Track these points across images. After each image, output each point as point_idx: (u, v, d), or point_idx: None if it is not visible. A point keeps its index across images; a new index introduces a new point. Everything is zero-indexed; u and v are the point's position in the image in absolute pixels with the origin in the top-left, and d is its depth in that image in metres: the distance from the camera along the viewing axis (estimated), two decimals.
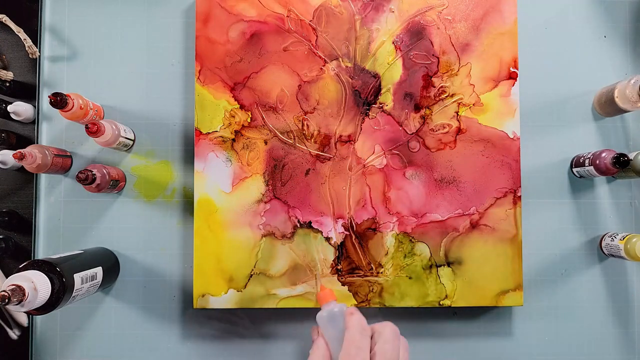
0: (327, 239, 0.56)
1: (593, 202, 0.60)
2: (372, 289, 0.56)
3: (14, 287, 0.41)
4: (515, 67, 0.57)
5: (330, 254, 0.56)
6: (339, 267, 0.56)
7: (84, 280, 0.48)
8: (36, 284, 0.42)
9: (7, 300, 0.39)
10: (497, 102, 0.57)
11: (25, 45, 0.58)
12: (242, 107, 0.56)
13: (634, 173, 0.54)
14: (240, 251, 0.56)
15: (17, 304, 0.41)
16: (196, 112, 0.56)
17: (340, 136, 0.57)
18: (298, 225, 0.56)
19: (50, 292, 0.44)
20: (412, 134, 0.57)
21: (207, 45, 0.56)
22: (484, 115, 0.57)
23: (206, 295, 0.55)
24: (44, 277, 0.43)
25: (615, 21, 0.61)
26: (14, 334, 0.57)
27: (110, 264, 0.56)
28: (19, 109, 0.57)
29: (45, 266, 0.45)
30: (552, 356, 0.59)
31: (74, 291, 0.47)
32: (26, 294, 0.41)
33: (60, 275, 0.45)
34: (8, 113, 0.57)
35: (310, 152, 0.56)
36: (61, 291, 0.45)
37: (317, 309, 0.44)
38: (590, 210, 0.60)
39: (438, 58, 0.57)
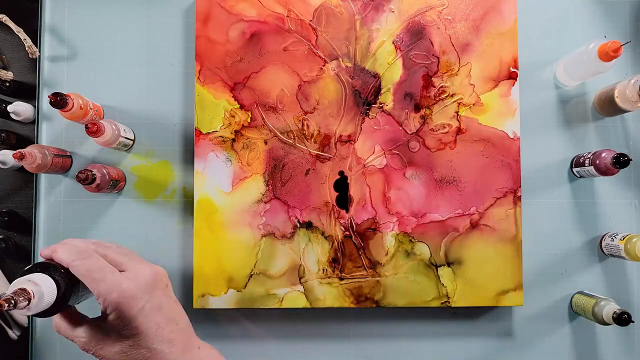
0: (327, 238, 0.56)
1: (593, 202, 0.60)
2: (372, 288, 0.56)
3: (19, 290, 0.41)
4: (515, 67, 0.57)
5: (330, 254, 0.56)
6: (339, 267, 0.56)
7: None
8: (42, 288, 0.42)
9: (12, 305, 0.39)
10: (497, 102, 0.57)
11: (25, 45, 0.58)
12: (242, 107, 0.56)
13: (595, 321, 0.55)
14: (240, 251, 0.56)
15: (22, 308, 0.41)
16: (196, 112, 0.56)
17: (340, 136, 0.57)
18: (298, 225, 0.56)
19: (55, 295, 0.44)
20: (412, 134, 0.57)
21: (207, 45, 0.56)
22: (484, 115, 0.57)
23: (206, 295, 0.55)
24: (49, 280, 0.43)
25: (615, 21, 0.61)
26: (14, 334, 0.57)
27: None
28: (19, 109, 0.57)
29: (51, 268, 0.45)
30: (552, 356, 0.59)
31: (80, 292, 0.47)
32: (32, 298, 0.41)
33: (65, 277, 0.45)
34: (8, 113, 0.57)
35: (310, 152, 0.57)
36: (67, 294, 0.45)
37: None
38: (590, 210, 0.60)
39: (438, 58, 0.57)
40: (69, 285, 0.45)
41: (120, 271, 0.39)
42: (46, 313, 0.44)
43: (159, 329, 0.38)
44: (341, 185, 0.56)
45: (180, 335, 0.39)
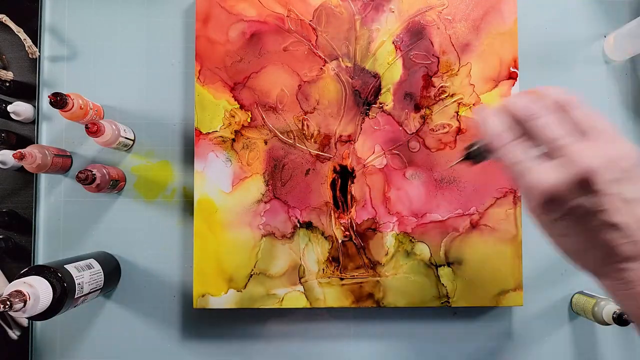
0: (327, 238, 0.56)
1: None
2: (372, 289, 0.56)
3: (14, 293, 0.41)
4: (515, 67, 0.57)
5: (330, 254, 0.56)
6: (339, 267, 0.56)
7: (85, 285, 0.48)
8: (37, 290, 0.42)
9: (8, 306, 0.39)
10: (497, 102, 0.57)
11: (25, 45, 0.58)
12: (242, 107, 0.56)
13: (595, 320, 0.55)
14: (240, 251, 0.56)
15: (18, 311, 0.41)
16: (196, 112, 0.56)
17: (340, 136, 0.57)
18: (298, 225, 0.56)
19: (51, 297, 0.44)
20: (412, 134, 0.57)
21: (207, 45, 0.56)
22: None
23: (206, 295, 0.55)
24: (45, 283, 0.43)
25: (616, 21, 0.61)
26: (14, 334, 0.57)
27: (111, 268, 0.56)
28: (19, 109, 0.57)
29: (46, 271, 0.45)
30: (552, 356, 0.59)
31: (75, 296, 0.47)
32: (27, 300, 0.41)
33: (62, 280, 0.45)
34: (8, 113, 0.57)
35: (310, 152, 0.57)
36: (63, 296, 0.45)
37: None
38: None
39: (438, 58, 0.57)
40: (65, 288, 0.45)
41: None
42: (42, 315, 0.44)
43: None
44: (341, 178, 0.56)
45: None
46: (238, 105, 0.56)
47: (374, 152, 0.57)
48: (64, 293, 0.45)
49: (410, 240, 0.56)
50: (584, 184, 0.29)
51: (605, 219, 0.30)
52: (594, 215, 0.30)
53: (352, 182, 0.56)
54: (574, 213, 0.31)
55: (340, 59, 0.57)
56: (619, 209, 0.30)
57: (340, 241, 0.56)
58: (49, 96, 0.48)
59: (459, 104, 0.57)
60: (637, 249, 0.30)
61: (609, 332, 0.59)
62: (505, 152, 0.33)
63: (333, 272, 0.56)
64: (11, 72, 0.58)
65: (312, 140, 0.57)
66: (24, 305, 0.41)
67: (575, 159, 0.30)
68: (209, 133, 0.56)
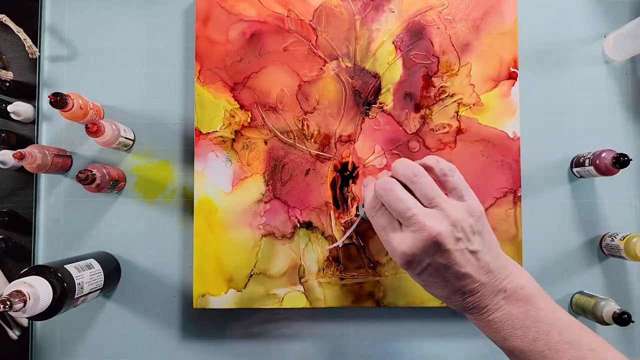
0: (327, 238, 0.56)
1: (593, 202, 0.60)
2: (372, 288, 0.56)
3: (14, 293, 0.41)
4: (515, 67, 0.57)
5: (330, 254, 0.56)
6: (339, 267, 0.56)
7: (85, 285, 0.48)
8: (37, 290, 0.42)
9: (8, 306, 0.39)
10: (497, 102, 0.57)
11: (25, 45, 0.58)
12: (242, 107, 0.56)
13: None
14: (240, 251, 0.56)
15: (18, 311, 0.41)
16: (196, 112, 0.56)
17: (340, 136, 0.57)
18: (298, 225, 0.56)
19: (51, 297, 0.44)
20: (412, 134, 0.57)
21: (207, 45, 0.56)
22: (484, 115, 0.57)
23: (206, 295, 0.55)
24: (45, 283, 0.43)
25: (616, 21, 0.61)
26: (14, 334, 0.57)
27: (111, 268, 0.56)
28: (19, 109, 0.57)
29: (46, 271, 0.45)
30: None
31: (76, 296, 0.47)
32: (27, 300, 0.41)
33: (62, 280, 0.45)
34: (8, 113, 0.57)
35: (310, 152, 0.57)
36: (63, 296, 0.45)
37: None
38: (590, 210, 0.60)
39: (438, 58, 0.57)
40: (65, 288, 0.45)
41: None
42: (42, 315, 0.44)
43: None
44: (341, 178, 0.56)
45: None
46: (238, 105, 0.56)
47: (374, 152, 0.57)
48: (64, 293, 0.45)
49: None
50: (435, 246, 0.35)
51: (456, 269, 0.36)
52: (447, 268, 0.36)
53: (353, 182, 0.56)
54: (431, 268, 0.36)
55: (340, 59, 0.57)
56: (468, 260, 0.36)
57: (340, 241, 0.56)
58: (49, 96, 0.48)
59: (459, 104, 0.57)
60: (484, 290, 0.37)
61: (609, 332, 0.59)
62: (373, 222, 0.40)
63: (333, 272, 0.56)
64: (11, 72, 0.58)
65: (312, 140, 0.57)
66: (24, 305, 0.41)
67: (423, 227, 0.35)
68: (209, 133, 0.56)
